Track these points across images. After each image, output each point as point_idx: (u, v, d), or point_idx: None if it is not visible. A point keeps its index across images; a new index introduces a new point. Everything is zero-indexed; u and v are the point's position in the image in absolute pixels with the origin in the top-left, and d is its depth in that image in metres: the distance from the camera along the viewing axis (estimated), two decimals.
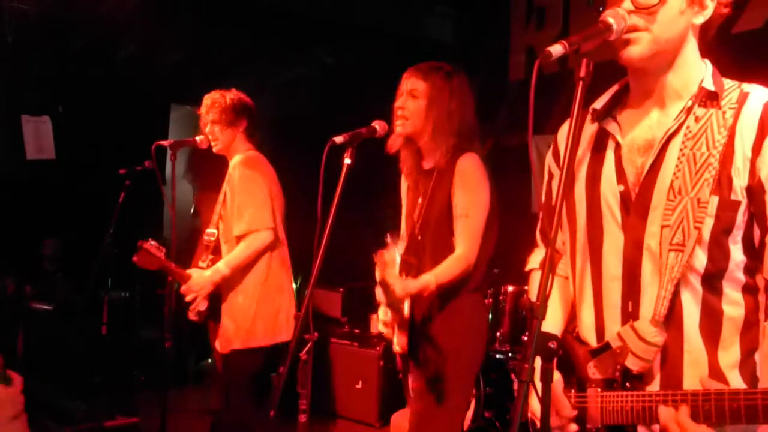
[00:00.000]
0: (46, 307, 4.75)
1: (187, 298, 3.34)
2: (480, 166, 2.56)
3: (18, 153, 5.26)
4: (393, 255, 2.22)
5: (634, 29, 1.37)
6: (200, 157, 4.49)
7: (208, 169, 4.79)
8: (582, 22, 4.76)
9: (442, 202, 2.54)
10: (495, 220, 2.59)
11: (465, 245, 2.49)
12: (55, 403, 4.30)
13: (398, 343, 2.61)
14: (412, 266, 2.61)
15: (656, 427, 1.40)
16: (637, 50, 1.38)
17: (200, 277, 3.29)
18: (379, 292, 2.38)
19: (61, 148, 5.34)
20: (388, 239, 2.34)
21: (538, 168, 1.44)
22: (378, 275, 2.26)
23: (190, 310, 3.38)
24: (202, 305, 3.34)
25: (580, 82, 1.24)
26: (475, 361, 2.64)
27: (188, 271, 3.33)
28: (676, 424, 1.28)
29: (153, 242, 3.32)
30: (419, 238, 2.62)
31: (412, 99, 2.57)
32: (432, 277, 2.44)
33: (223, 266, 3.27)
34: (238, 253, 3.27)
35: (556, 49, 1.22)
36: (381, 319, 2.72)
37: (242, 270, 3.31)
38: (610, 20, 1.30)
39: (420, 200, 2.65)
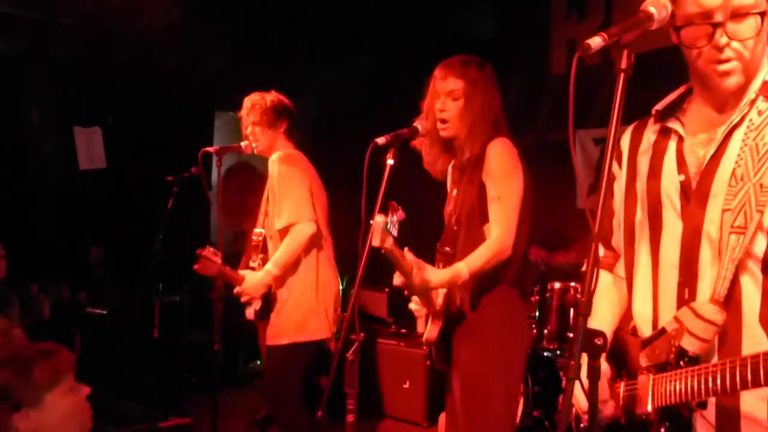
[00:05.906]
0: (100, 311, 4.88)
1: (243, 300, 3.40)
2: (511, 149, 2.49)
3: (71, 163, 5.45)
4: (379, 222, 2.01)
5: (727, 60, 1.40)
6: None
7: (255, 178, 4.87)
8: (625, 12, 4.66)
9: (475, 189, 2.49)
10: (528, 209, 2.49)
11: (499, 228, 2.40)
12: (111, 405, 4.42)
13: (429, 333, 2.51)
14: (448, 256, 2.56)
15: (712, 400, 1.37)
16: (734, 81, 1.43)
17: (253, 279, 3.34)
18: (396, 276, 2.28)
19: (112, 158, 5.50)
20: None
21: (580, 162, 1.43)
22: (381, 243, 2.01)
23: (247, 309, 3.44)
24: (257, 305, 3.39)
25: (622, 74, 1.23)
26: (517, 359, 2.53)
27: (241, 273, 3.39)
28: None
29: (210, 249, 3.35)
30: (455, 227, 2.57)
31: (453, 101, 2.51)
32: (464, 265, 2.36)
33: (272, 267, 3.30)
34: (284, 249, 3.30)
35: (596, 42, 1.21)
36: (414, 299, 2.61)
37: (292, 267, 3.34)
38: (652, 9, 1.28)
39: (455, 192, 2.62)
